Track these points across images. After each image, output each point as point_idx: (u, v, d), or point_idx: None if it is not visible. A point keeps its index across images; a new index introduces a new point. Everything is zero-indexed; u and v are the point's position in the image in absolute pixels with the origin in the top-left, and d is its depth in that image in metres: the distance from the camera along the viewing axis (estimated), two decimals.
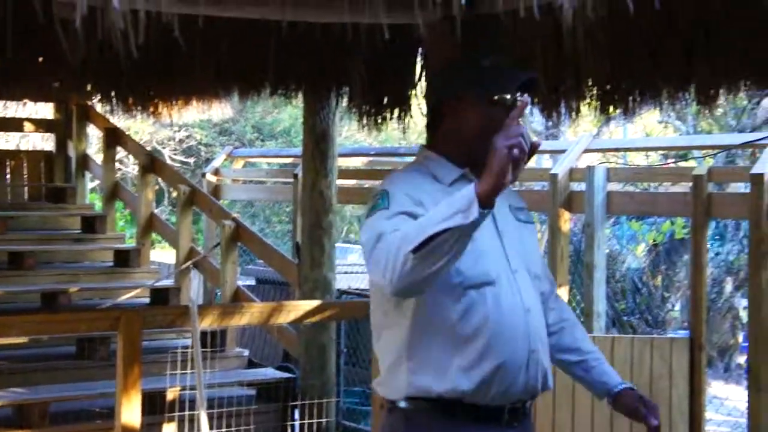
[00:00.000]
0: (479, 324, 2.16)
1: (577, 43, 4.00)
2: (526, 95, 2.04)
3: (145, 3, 1.65)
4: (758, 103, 9.64)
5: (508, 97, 2.21)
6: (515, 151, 1.89)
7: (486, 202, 1.91)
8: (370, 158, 8.95)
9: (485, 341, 2.16)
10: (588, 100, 4.64)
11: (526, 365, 2.21)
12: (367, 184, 8.92)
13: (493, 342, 2.16)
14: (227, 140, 18.47)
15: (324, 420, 5.65)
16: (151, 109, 6.95)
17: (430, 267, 1.95)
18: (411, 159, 8.54)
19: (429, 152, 2.34)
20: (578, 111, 4.72)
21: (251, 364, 6.89)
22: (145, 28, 1.76)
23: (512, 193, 2.43)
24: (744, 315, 9.06)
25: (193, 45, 4.54)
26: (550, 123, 5.28)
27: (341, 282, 8.28)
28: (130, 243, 8.52)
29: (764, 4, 2.39)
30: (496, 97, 2.21)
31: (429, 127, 2.37)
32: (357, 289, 8.00)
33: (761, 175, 5.08)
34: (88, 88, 6.72)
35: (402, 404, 2.23)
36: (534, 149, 1.94)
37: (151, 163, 7.88)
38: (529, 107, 2.40)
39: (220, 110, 7.71)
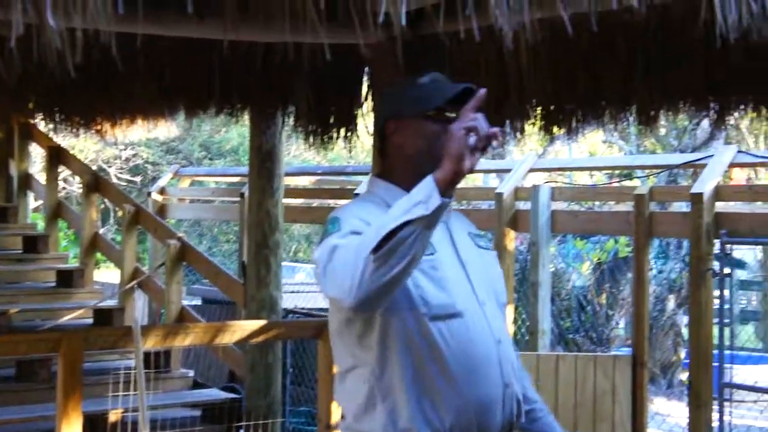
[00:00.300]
0: (451, 360, 2.06)
1: (521, 65, 4.07)
2: (483, 89, 1.93)
3: (82, 21, 1.63)
4: (698, 123, 9.83)
5: (453, 115, 2.11)
6: (472, 135, 1.84)
7: (446, 190, 1.84)
8: (318, 177, 8.95)
9: (459, 379, 2.06)
10: (532, 120, 4.70)
11: (502, 401, 2.12)
12: (315, 203, 8.92)
13: (467, 379, 2.07)
14: (174, 159, 18.35)
15: None
16: (96, 128, 6.87)
17: (392, 269, 1.85)
18: (359, 178, 8.50)
19: (380, 180, 2.28)
20: (522, 131, 4.77)
21: (196, 384, 6.82)
22: (84, 46, 1.74)
23: (467, 220, 2.37)
24: (686, 332, 9.19)
25: (135, 63, 4.51)
26: (496, 142, 5.34)
27: (289, 301, 8.24)
28: (73, 263, 8.40)
29: (697, 31, 2.45)
30: (430, 113, 2.17)
31: (379, 153, 2.31)
32: (303, 309, 7.97)
33: (701, 194, 5.18)
34: (30, 105, 6.63)
35: None
36: (492, 137, 1.88)
37: (95, 182, 7.80)
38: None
39: (167, 129, 7.65)
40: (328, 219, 2.13)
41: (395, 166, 2.24)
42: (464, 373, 2.07)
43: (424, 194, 1.84)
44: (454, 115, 2.12)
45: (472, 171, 1.87)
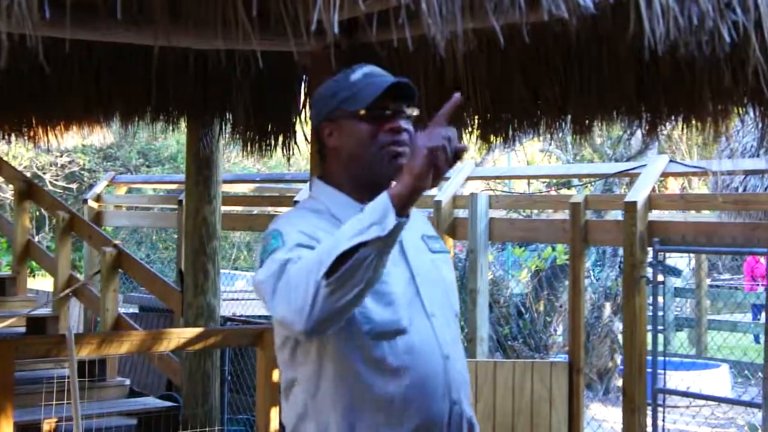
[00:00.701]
0: (393, 380, 1.95)
1: (457, 74, 4.10)
2: (457, 93, 1.81)
3: (6, 25, 1.60)
4: (632, 133, 9.99)
5: (389, 112, 2.03)
6: (438, 154, 1.73)
7: (402, 208, 1.73)
8: (257, 184, 8.91)
9: (401, 400, 1.95)
10: (470, 129, 4.74)
11: (448, 421, 2.01)
12: (256, 210, 8.88)
13: (410, 400, 1.96)
14: (112, 166, 18.12)
15: None
16: (29, 134, 6.75)
17: (348, 294, 1.75)
18: (298, 185, 8.43)
19: (321, 183, 2.14)
20: (460, 139, 4.81)
21: (133, 393, 6.73)
22: (12, 50, 1.72)
23: (423, 219, 2.26)
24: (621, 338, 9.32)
25: (69, 68, 4.44)
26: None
27: (228, 309, 8.18)
28: (6, 271, 8.24)
29: (627, 43, 2.50)
30: (362, 111, 2.03)
31: (318, 156, 2.20)
32: (242, 316, 7.92)
33: (634, 203, 5.27)
34: None
35: None
36: (459, 154, 1.76)
37: (27, 189, 7.65)
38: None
39: (102, 135, 7.55)
40: (268, 232, 1.99)
41: (334, 169, 2.12)
42: (407, 395, 1.96)
43: (379, 214, 1.73)
44: (390, 112, 2.03)
45: (434, 186, 1.78)
